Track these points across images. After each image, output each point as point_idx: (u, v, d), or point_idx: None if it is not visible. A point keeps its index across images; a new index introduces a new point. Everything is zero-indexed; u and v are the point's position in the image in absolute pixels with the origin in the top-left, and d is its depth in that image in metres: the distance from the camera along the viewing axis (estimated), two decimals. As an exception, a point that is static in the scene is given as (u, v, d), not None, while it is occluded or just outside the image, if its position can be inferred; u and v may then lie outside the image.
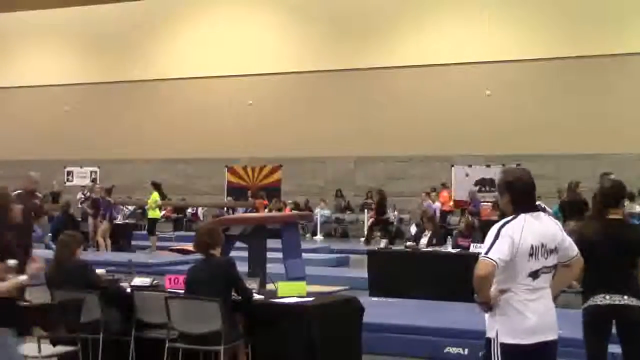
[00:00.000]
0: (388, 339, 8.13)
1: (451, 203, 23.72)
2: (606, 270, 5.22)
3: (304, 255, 12.35)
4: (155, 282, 7.35)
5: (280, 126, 27.01)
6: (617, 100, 23.41)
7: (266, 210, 22.91)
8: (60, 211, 19.15)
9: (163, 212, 24.02)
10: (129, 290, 7.06)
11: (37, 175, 11.76)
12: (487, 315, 4.40)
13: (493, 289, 4.33)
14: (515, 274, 4.31)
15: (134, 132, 29.05)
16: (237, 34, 28.28)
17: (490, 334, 4.37)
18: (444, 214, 22.64)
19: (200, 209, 27.92)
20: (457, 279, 10.51)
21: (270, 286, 7.17)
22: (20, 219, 7.26)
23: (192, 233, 21.36)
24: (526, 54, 24.48)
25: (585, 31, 23.98)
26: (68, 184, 30.63)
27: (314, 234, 24.61)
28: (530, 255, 4.31)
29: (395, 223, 24.83)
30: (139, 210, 23.56)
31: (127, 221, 21.64)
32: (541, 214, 4.50)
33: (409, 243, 12.90)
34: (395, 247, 13.57)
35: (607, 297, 5.28)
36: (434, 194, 23.43)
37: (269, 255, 10.82)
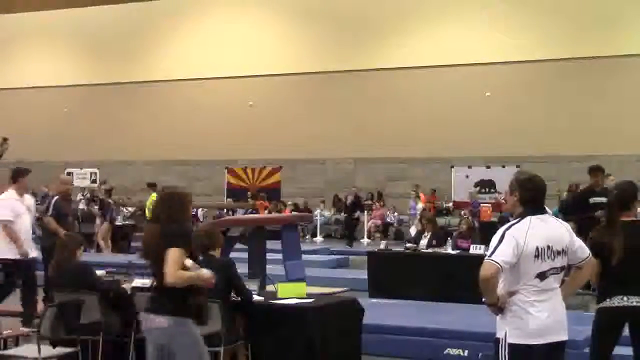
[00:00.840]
0: (388, 340, 8.13)
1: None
2: (622, 272, 5.23)
3: (304, 256, 12.37)
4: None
5: (280, 127, 27.01)
6: (617, 101, 23.41)
7: (266, 211, 22.90)
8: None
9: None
10: (129, 291, 7.06)
11: (69, 178, 12.02)
12: (497, 316, 4.44)
13: (502, 291, 4.36)
14: (522, 276, 4.35)
15: (133, 134, 29.05)
16: (237, 35, 28.28)
17: (499, 334, 4.43)
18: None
19: (200, 210, 27.91)
20: (457, 280, 10.55)
21: (270, 287, 7.17)
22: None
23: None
24: (526, 56, 24.47)
25: (585, 33, 23.98)
26: (68, 185, 30.62)
27: (314, 235, 24.61)
28: (536, 257, 4.34)
29: (395, 224, 24.87)
30: (139, 212, 23.51)
31: (127, 222, 21.61)
32: (548, 216, 4.53)
33: (408, 244, 12.90)
34: (395, 249, 13.56)
35: (625, 298, 5.28)
36: (413, 194, 23.42)
37: (269, 256, 10.83)
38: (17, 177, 9.06)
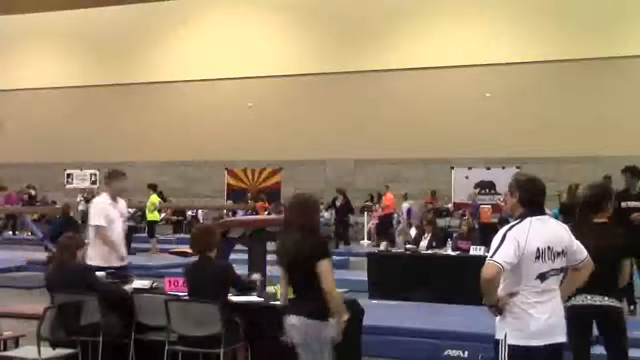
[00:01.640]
0: (388, 341, 8.13)
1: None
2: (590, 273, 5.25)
3: (304, 257, 12.31)
4: (155, 284, 7.34)
5: (280, 129, 27.02)
6: (617, 102, 23.43)
7: (266, 212, 22.88)
8: (60, 214, 19.12)
9: (163, 215, 24.01)
10: (129, 293, 7.05)
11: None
12: (497, 318, 4.45)
13: (502, 292, 4.37)
14: (522, 277, 4.36)
15: (133, 135, 29.05)
16: (236, 36, 28.29)
17: (499, 335, 4.43)
18: (388, 216, 22.48)
19: (200, 211, 27.91)
20: (457, 281, 10.54)
21: (270, 289, 7.16)
22: None
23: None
24: (526, 57, 24.49)
25: (585, 34, 24.00)
26: (68, 186, 30.65)
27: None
28: (537, 257, 4.36)
29: (395, 225, 24.81)
30: (139, 213, 23.52)
31: (126, 223, 21.58)
32: (547, 217, 4.55)
33: (408, 245, 12.89)
34: (395, 250, 13.55)
35: (589, 297, 5.37)
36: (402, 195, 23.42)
37: (269, 257, 10.81)
38: (111, 180, 8.57)
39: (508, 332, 4.37)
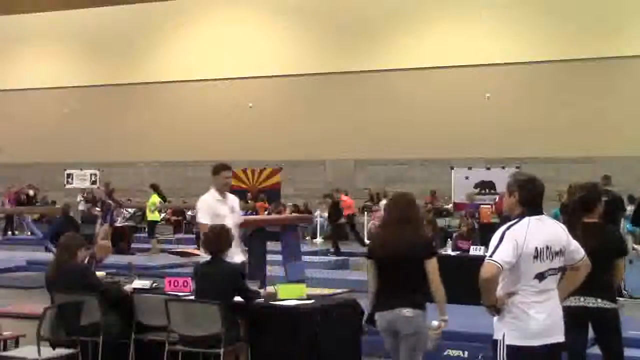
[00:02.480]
0: (388, 341, 8.11)
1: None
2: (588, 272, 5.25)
3: (304, 257, 12.36)
4: (155, 284, 7.35)
5: (280, 129, 27.01)
6: (617, 102, 23.42)
7: (266, 212, 22.89)
8: (60, 213, 19.13)
9: (163, 215, 24.01)
10: (129, 292, 7.05)
11: None
12: (495, 318, 4.44)
13: (500, 292, 4.37)
14: (521, 276, 4.36)
15: (133, 135, 29.05)
16: (236, 36, 28.28)
17: (497, 335, 4.42)
18: (351, 217, 22.43)
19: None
20: (457, 281, 10.47)
21: (270, 289, 7.16)
22: None
23: (192, 235, 21.45)
24: (526, 57, 24.47)
25: (585, 34, 23.99)
26: (68, 186, 30.65)
27: (314, 236, 24.59)
28: (535, 257, 4.36)
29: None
30: (139, 213, 23.53)
31: (127, 224, 21.60)
32: (545, 217, 4.55)
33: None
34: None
35: (582, 299, 5.37)
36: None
37: (269, 257, 10.83)
38: (213, 175, 8.12)
39: (506, 332, 4.37)
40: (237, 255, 7.50)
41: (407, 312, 5.43)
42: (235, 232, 7.50)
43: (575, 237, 4.69)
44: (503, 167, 23.73)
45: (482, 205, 20.89)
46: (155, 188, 20.72)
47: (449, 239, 12.38)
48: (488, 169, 24.93)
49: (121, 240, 19.83)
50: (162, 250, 18.71)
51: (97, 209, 20.15)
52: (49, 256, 16.62)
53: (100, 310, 6.63)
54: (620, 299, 9.61)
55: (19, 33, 31.24)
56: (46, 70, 31.00)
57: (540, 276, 4.37)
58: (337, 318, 6.80)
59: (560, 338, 4.46)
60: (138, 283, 7.32)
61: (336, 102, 26.69)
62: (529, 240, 4.35)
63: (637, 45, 23.43)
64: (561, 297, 4.57)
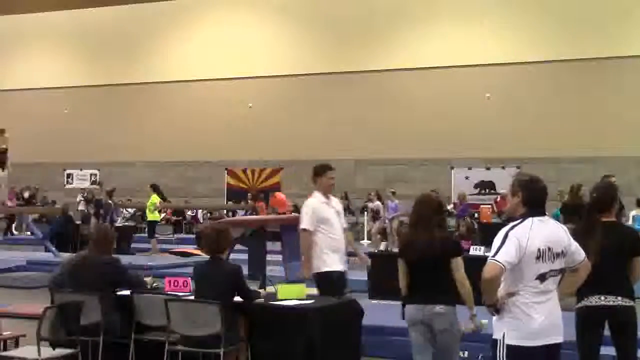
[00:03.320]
0: (388, 341, 8.12)
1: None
2: (600, 272, 5.21)
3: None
4: (155, 284, 7.34)
5: (280, 129, 27.01)
6: (618, 102, 23.43)
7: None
8: (60, 214, 19.14)
9: (163, 215, 24.00)
10: (129, 293, 7.05)
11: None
12: (494, 317, 4.45)
13: (501, 292, 4.38)
14: (522, 277, 4.38)
15: (134, 135, 29.05)
16: (237, 36, 28.28)
17: (497, 335, 4.44)
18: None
19: (200, 211, 27.91)
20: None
21: (270, 289, 7.16)
22: None
23: (192, 235, 21.45)
24: (526, 57, 24.49)
25: (585, 34, 24.00)
26: (68, 186, 30.65)
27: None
28: (537, 258, 4.38)
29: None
30: (139, 213, 23.54)
31: (127, 224, 21.61)
32: (547, 218, 4.57)
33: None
34: (396, 250, 13.52)
35: (602, 297, 5.35)
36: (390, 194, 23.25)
37: (269, 257, 10.82)
38: (316, 176, 7.75)
39: (506, 332, 4.39)
40: (335, 264, 7.25)
41: (440, 308, 5.60)
42: (341, 237, 7.34)
43: (592, 237, 4.70)
44: (503, 167, 23.75)
45: (482, 205, 20.92)
46: (155, 188, 20.71)
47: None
48: (488, 169, 24.93)
49: (121, 240, 19.83)
50: (162, 250, 18.71)
51: (91, 207, 20.14)
52: (49, 256, 16.70)
53: (100, 310, 6.63)
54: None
55: (19, 33, 31.24)
56: (46, 70, 31.00)
57: (542, 277, 4.39)
58: (337, 318, 6.79)
59: (559, 339, 4.47)
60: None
61: (336, 102, 26.68)
62: (531, 241, 4.36)
63: (637, 45, 23.44)
64: (561, 298, 4.58)
